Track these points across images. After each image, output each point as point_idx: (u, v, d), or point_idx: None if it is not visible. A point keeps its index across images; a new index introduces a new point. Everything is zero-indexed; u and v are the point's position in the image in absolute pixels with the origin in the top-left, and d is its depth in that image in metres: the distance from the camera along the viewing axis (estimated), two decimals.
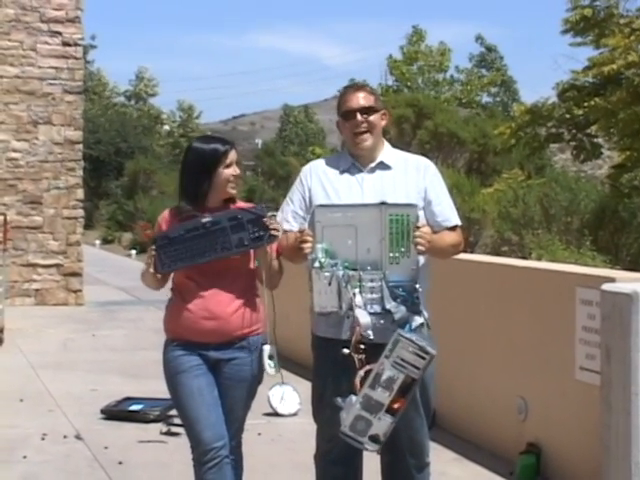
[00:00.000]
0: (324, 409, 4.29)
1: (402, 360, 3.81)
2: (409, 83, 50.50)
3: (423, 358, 3.83)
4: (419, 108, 31.44)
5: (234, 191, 4.40)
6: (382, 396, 3.82)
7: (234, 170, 4.37)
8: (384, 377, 3.81)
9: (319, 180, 4.41)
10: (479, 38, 66.10)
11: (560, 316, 5.85)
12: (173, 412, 7.15)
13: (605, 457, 5.11)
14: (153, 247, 4.31)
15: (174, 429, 6.89)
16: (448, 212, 4.44)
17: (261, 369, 4.42)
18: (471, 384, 6.86)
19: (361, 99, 4.36)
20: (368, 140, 4.35)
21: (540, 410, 6.10)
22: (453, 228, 4.44)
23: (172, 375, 4.40)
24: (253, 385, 4.45)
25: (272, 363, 4.35)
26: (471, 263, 7.19)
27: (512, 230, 17.49)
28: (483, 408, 6.72)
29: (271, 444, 6.79)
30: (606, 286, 5.20)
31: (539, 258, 14.31)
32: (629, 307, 4.95)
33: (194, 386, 4.32)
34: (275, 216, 4.30)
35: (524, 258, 13.87)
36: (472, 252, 16.48)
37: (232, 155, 4.37)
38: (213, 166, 4.32)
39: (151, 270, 4.35)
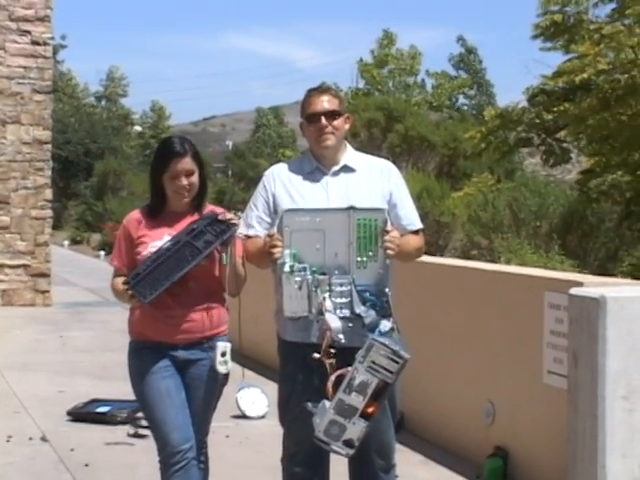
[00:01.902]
0: (291, 412, 4.28)
1: (376, 364, 3.81)
2: (380, 86, 50.58)
3: (397, 362, 3.84)
4: (389, 111, 31.55)
5: (183, 200, 4.37)
6: (356, 400, 3.82)
7: (180, 181, 4.31)
8: (358, 382, 3.81)
9: (283, 184, 4.40)
10: (460, 39, 66.39)
11: (528, 320, 5.87)
12: (140, 414, 7.11)
13: (571, 460, 5.13)
14: (127, 287, 4.27)
15: (141, 431, 6.85)
16: (412, 216, 4.47)
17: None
18: (439, 387, 6.87)
19: (325, 102, 4.36)
20: (331, 140, 4.36)
21: (508, 414, 6.12)
22: (416, 232, 4.46)
23: (139, 377, 4.37)
24: (219, 386, 4.43)
25: (223, 360, 4.32)
26: (440, 266, 7.20)
27: (481, 234, 17.57)
28: (451, 411, 6.73)
29: (239, 446, 6.77)
30: (574, 290, 5.23)
31: (508, 262, 14.38)
32: (596, 311, 4.98)
33: (162, 387, 4.31)
34: (227, 214, 4.33)
35: (493, 262, 13.92)
36: (442, 255, 16.55)
37: (180, 164, 4.30)
38: (159, 174, 4.35)
39: (133, 304, 4.37)
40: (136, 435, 6.94)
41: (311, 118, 4.36)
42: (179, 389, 4.35)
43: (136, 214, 4.50)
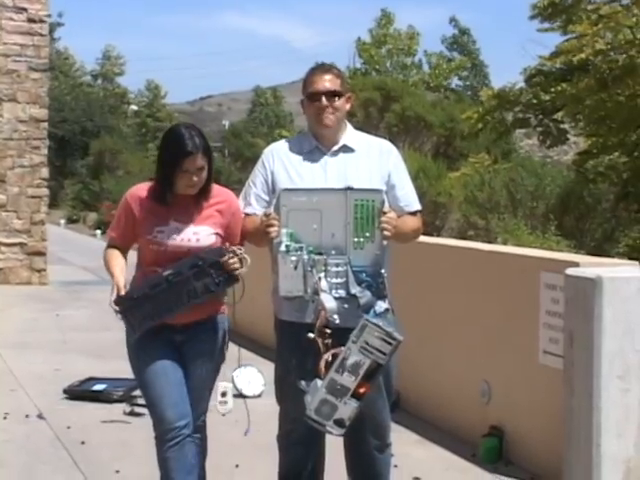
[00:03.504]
0: (287, 391, 4.29)
1: (369, 345, 3.81)
2: (377, 66, 50.45)
3: (390, 344, 3.84)
4: (387, 91, 31.45)
5: (192, 192, 4.31)
6: (348, 380, 3.82)
7: (191, 178, 4.25)
8: (350, 362, 3.81)
9: (282, 163, 4.40)
10: (453, 20, 66.16)
11: (524, 300, 5.88)
12: (136, 392, 7.12)
13: (567, 439, 5.16)
14: (118, 309, 4.25)
15: (137, 409, 6.87)
16: (411, 197, 4.46)
17: (225, 347, 4.46)
18: (435, 367, 6.88)
19: (327, 82, 4.34)
20: (331, 119, 4.34)
21: (503, 393, 6.13)
22: (414, 213, 4.45)
23: (136, 354, 4.38)
24: (218, 363, 4.46)
25: (223, 400, 4.40)
26: (437, 246, 7.20)
27: (478, 214, 17.57)
28: (447, 391, 6.74)
29: (235, 425, 6.78)
30: (570, 270, 5.24)
31: (505, 242, 14.39)
32: (592, 291, 5.00)
33: (158, 365, 4.31)
34: (235, 251, 4.22)
35: (490, 242, 13.92)
36: (438, 236, 16.55)
37: (192, 162, 4.23)
38: (171, 166, 4.24)
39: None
40: (132, 413, 6.95)
41: (312, 97, 4.35)
42: (176, 367, 4.34)
43: (140, 191, 4.41)
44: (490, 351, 6.26)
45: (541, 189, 17.12)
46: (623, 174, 16.62)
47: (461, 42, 65.36)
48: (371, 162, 4.39)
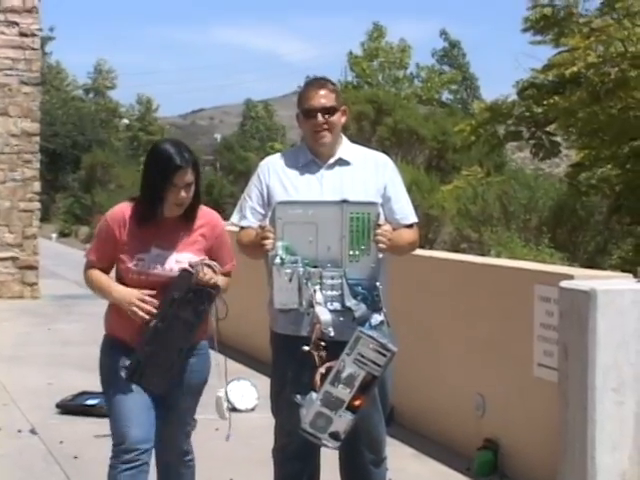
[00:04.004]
0: (283, 405, 4.27)
1: (363, 357, 3.80)
2: (369, 79, 50.53)
3: (384, 355, 3.83)
4: (379, 104, 31.51)
5: (179, 212, 4.17)
6: (343, 393, 3.81)
7: (180, 193, 4.10)
8: (345, 374, 3.80)
9: (277, 176, 4.39)
10: (443, 33, 66.40)
11: (518, 313, 5.87)
12: None
13: (562, 452, 5.14)
14: (128, 377, 4.15)
15: None
16: (407, 210, 4.45)
17: (207, 372, 4.37)
18: (429, 380, 6.87)
19: (322, 98, 4.33)
20: (328, 137, 4.34)
21: (498, 406, 6.12)
22: (410, 225, 4.45)
23: (108, 375, 4.30)
24: (201, 389, 4.39)
25: (225, 406, 4.37)
26: (430, 259, 7.19)
27: (471, 227, 17.59)
28: (441, 404, 6.73)
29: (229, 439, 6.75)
30: (564, 283, 5.23)
31: (498, 255, 14.39)
32: (587, 304, 4.98)
33: (128, 388, 4.18)
34: (199, 264, 4.12)
35: (483, 255, 13.93)
36: (431, 248, 16.55)
37: (181, 177, 4.09)
38: (159, 181, 4.10)
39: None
40: None
41: (308, 113, 4.34)
42: (146, 391, 4.19)
43: (121, 213, 4.23)
44: (484, 364, 6.25)
45: (534, 202, 17.16)
46: (616, 187, 16.63)
47: (451, 55, 65.59)
48: (367, 175, 4.38)
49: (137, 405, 4.17)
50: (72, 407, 7.53)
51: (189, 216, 4.22)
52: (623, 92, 14.32)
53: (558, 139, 17.14)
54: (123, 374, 4.17)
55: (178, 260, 4.15)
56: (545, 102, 15.81)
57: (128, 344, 4.19)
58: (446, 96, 60.40)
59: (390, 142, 29.18)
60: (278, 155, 4.55)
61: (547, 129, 16.79)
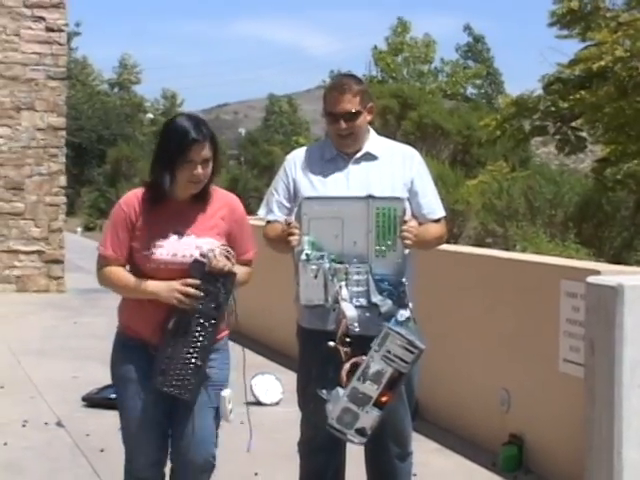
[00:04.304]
0: (309, 399, 4.28)
1: (391, 354, 3.80)
2: (394, 74, 50.49)
3: (412, 352, 3.83)
4: (404, 99, 31.47)
5: (194, 191, 3.90)
6: (370, 389, 3.81)
7: (196, 169, 3.83)
8: (372, 370, 3.80)
9: (304, 171, 4.38)
10: (467, 28, 66.21)
11: (544, 308, 5.85)
12: None
13: (588, 448, 5.12)
14: (162, 388, 3.90)
15: None
16: (434, 204, 4.44)
17: (228, 370, 4.13)
18: (454, 375, 6.86)
19: (346, 104, 4.27)
20: (350, 142, 4.33)
21: (523, 402, 6.10)
22: (437, 220, 4.43)
23: (120, 375, 4.14)
24: (222, 388, 4.11)
25: (230, 408, 4.12)
26: (456, 254, 7.18)
27: (496, 222, 17.54)
28: (466, 399, 6.72)
29: (253, 433, 6.76)
30: (591, 279, 5.21)
31: (524, 250, 14.35)
32: (614, 300, 4.96)
33: (140, 399, 4.01)
34: (214, 251, 3.87)
35: (508, 250, 13.89)
36: (456, 243, 16.52)
37: (198, 151, 3.83)
38: (175, 157, 3.82)
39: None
40: None
41: (330, 117, 4.32)
42: (158, 403, 3.98)
43: (134, 197, 3.96)
44: (510, 359, 6.23)
45: (559, 197, 17.08)
46: None
47: (475, 50, 65.41)
48: (394, 169, 4.37)
49: (147, 420, 4.00)
50: (98, 400, 7.56)
51: (203, 197, 3.95)
52: None
53: (584, 134, 17.07)
54: (136, 376, 3.99)
55: (198, 245, 3.88)
56: (571, 97, 15.76)
57: (146, 341, 3.96)
58: (470, 91, 60.29)
59: (415, 136, 29.11)
60: (304, 149, 4.54)
61: (573, 124, 16.73)
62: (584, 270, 5.52)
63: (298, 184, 4.36)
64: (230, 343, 4.22)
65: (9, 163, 15.17)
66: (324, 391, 3.94)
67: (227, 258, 3.89)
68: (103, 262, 3.99)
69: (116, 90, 68.01)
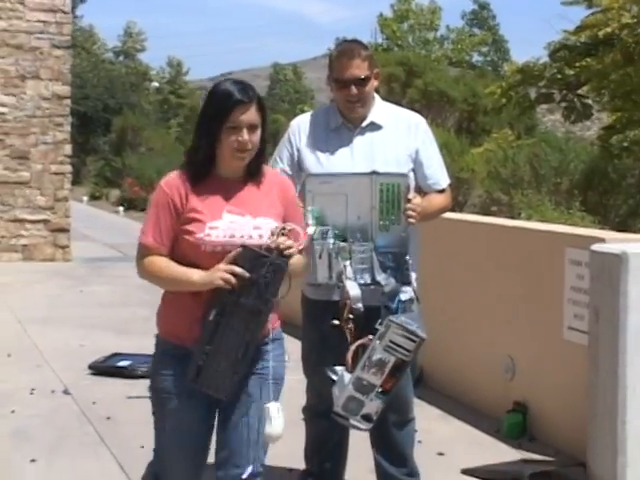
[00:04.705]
0: (312, 366, 4.31)
1: (393, 343, 3.81)
2: (399, 42, 50.28)
3: (414, 341, 3.84)
4: (409, 67, 31.37)
5: (241, 163, 3.45)
6: (374, 378, 3.82)
7: (242, 137, 3.40)
8: (375, 359, 3.81)
9: (308, 140, 4.37)
10: None
11: (549, 276, 5.86)
12: None
13: (591, 416, 5.15)
14: (193, 382, 3.42)
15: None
16: (439, 174, 4.43)
17: (284, 363, 3.73)
18: (459, 343, 6.88)
19: (356, 69, 4.24)
20: (359, 109, 4.32)
21: (527, 369, 6.12)
22: (442, 190, 4.43)
23: (159, 390, 3.66)
24: (280, 386, 3.67)
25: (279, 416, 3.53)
26: (460, 222, 7.18)
27: (501, 190, 17.52)
28: (470, 366, 6.74)
29: None
30: (596, 247, 5.22)
31: (529, 218, 14.33)
32: (618, 268, 4.97)
33: (183, 422, 3.55)
34: (285, 227, 3.42)
35: (513, 218, 13.88)
36: (461, 212, 16.51)
37: (242, 114, 3.39)
38: (214, 126, 3.41)
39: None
40: None
41: (339, 83, 4.29)
42: (204, 421, 3.56)
43: (177, 178, 3.49)
44: (514, 327, 6.25)
45: (565, 165, 17.04)
46: None
47: (481, 17, 65.13)
48: (399, 138, 4.36)
49: (187, 439, 3.56)
50: (104, 368, 7.60)
51: (255, 172, 3.51)
52: None
53: (590, 102, 16.99)
54: (178, 391, 3.52)
55: (257, 226, 3.43)
56: (577, 64, 15.67)
57: (186, 346, 3.45)
58: (476, 58, 60.13)
59: (420, 104, 29.01)
60: (308, 115, 4.53)
61: (579, 91, 16.64)
62: (589, 238, 5.53)
63: (302, 156, 4.35)
64: None
65: (14, 132, 15.16)
66: (328, 370, 3.94)
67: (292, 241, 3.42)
68: (144, 252, 3.51)
69: (121, 58, 67.81)
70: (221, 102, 3.40)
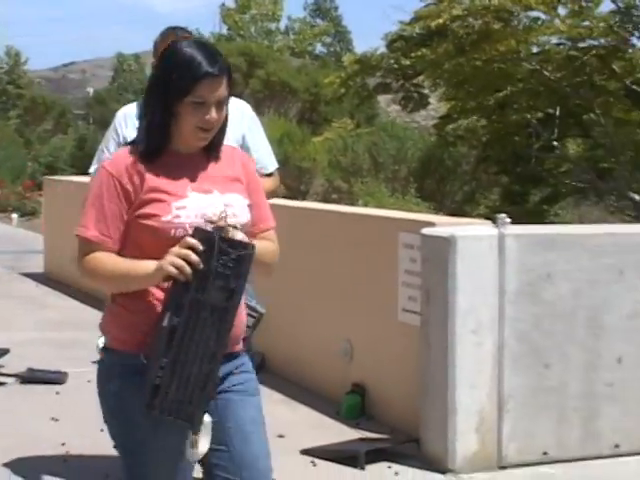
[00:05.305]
0: None
1: None
2: (241, 32, 50.25)
3: (253, 317, 3.92)
4: (251, 57, 31.46)
5: (202, 143, 2.89)
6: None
7: (209, 113, 2.82)
8: None
9: (134, 128, 4.37)
10: None
11: (384, 260, 6.01)
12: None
13: (423, 392, 5.34)
14: (153, 412, 2.70)
15: (1, 379, 6.78)
16: (266, 159, 4.52)
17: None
18: (298, 328, 6.99)
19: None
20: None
21: (365, 351, 6.28)
22: (270, 174, 4.53)
23: (124, 420, 2.88)
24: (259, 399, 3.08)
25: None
26: (300, 210, 7.31)
27: (342, 178, 17.80)
28: (310, 351, 6.86)
29: None
30: (426, 230, 5.39)
31: (366, 205, 14.62)
32: (447, 250, 5.16)
33: (165, 447, 2.85)
34: (225, 211, 2.82)
35: (352, 205, 14.14)
36: (304, 200, 16.71)
37: (212, 89, 2.80)
38: (179, 95, 2.80)
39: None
40: None
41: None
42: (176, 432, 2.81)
43: (125, 157, 2.88)
44: (351, 310, 6.39)
45: (403, 153, 17.46)
46: (482, 137, 17.04)
47: (323, 8, 65.72)
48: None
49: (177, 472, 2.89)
50: None
51: (217, 146, 2.97)
52: (487, 45, 14.63)
53: (426, 91, 17.42)
54: (140, 412, 2.75)
55: (227, 203, 2.86)
56: (413, 54, 16.03)
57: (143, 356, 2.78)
58: (319, 49, 60.62)
59: (263, 95, 29.18)
60: (135, 104, 4.54)
61: (415, 81, 17.04)
62: (420, 222, 5.70)
63: None
64: None
65: None
66: None
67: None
68: (86, 248, 2.86)
69: None
70: (185, 72, 2.78)
